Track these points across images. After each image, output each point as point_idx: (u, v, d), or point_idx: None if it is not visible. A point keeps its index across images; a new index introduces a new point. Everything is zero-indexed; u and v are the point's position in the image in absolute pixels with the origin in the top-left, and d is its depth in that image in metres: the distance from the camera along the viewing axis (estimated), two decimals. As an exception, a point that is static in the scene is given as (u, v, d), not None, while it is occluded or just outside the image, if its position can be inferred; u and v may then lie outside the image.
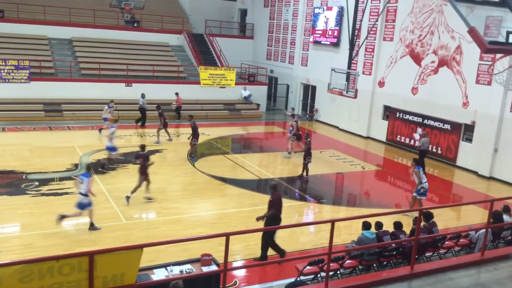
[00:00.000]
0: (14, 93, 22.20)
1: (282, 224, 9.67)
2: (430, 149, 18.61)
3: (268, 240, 9.65)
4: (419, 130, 19.93)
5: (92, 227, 10.88)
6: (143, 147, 13.38)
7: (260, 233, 9.79)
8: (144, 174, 12.74)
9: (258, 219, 9.82)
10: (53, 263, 4.98)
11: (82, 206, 10.69)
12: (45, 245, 10.02)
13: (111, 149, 15.61)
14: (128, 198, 12.57)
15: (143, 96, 22.08)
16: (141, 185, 12.78)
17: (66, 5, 28.99)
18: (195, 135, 17.43)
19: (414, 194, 13.00)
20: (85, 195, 10.67)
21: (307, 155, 15.98)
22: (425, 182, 12.81)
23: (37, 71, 23.33)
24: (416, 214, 9.02)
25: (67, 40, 27.39)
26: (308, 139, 16.39)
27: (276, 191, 9.99)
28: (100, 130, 20.13)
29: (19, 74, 22.24)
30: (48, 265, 4.97)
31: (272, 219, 9.66)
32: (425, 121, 20.25)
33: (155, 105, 20.59)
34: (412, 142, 20.91)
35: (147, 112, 22.16)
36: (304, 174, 16.12)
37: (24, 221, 11.22)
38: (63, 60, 25.49)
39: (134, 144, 19.19)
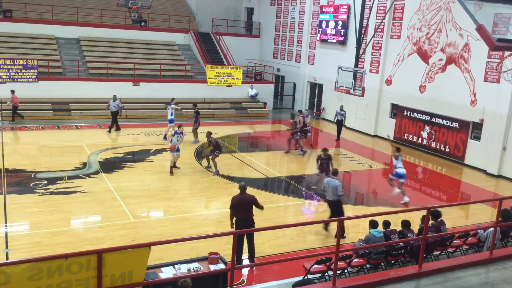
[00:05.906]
0: (23, 93, 22.32)
1: (291, 223, 9.62)
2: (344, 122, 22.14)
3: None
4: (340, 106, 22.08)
5: (401, 188, 14.15)
6: (325, 149, 14.67)
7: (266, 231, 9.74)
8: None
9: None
10: (62, 261, 4.99)
11: (403, 176, 14.05)
12: (54, 244, 10.08)
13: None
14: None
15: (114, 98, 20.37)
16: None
17: (74, 5, 29.14)
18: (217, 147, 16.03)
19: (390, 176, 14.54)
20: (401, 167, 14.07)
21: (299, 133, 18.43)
22: (400, 168, 13.91)
23: (45, 71, 23.47)
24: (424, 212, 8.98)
25: (75, 39, 27.53)
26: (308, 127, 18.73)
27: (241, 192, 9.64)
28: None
29: (28, 73, 22.40)
30: (57, 263, 4.98)
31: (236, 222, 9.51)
32: (433, 119, 20.14)
33: (192, 104, 20.50)
34: (420, 141, 20.83)
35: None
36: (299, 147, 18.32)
37: (32, 220, 11.30)
38: (71, 60, 25.62)
39: (141, 142, 19.29)
